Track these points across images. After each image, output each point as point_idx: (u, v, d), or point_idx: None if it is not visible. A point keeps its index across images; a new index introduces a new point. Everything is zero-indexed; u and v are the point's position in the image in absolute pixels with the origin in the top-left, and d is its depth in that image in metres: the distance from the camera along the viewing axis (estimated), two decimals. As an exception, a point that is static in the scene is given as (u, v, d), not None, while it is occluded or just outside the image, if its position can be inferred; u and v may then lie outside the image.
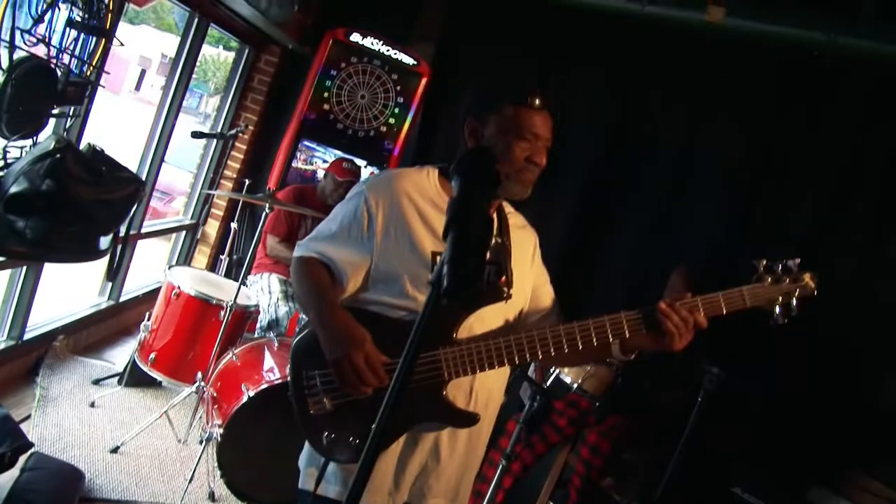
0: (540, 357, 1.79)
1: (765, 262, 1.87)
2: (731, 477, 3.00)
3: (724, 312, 1.81)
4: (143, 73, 14.34)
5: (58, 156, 2.13)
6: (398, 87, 5.05)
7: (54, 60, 2.91)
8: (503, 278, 1.86)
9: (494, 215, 1.93)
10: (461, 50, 5.17)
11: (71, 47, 2.98)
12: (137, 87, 14.38)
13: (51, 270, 3.58)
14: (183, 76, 4.35)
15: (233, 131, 4.35)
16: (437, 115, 5.21)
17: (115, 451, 3.33)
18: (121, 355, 4.23)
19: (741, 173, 4.36)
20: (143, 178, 4.38)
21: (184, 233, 5.17)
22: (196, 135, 4.28)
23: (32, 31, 2.75)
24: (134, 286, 4.81)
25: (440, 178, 1.91)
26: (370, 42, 4.94)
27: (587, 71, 4.79)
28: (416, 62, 5.03)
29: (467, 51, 5.14)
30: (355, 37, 4.92)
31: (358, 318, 1.76)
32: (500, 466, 3.47)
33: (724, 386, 2.90)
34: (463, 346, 1.77)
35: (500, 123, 1.82)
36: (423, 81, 5.05)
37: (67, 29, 2.94)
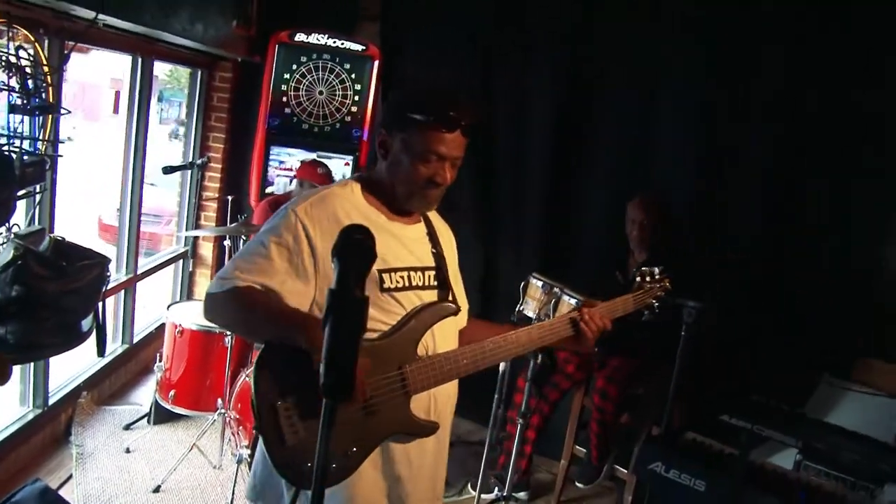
0: (492, 363, 1.95)
1: (640, 272, 2.37)
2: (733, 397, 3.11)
3: (618, 316, 2.21)
4: (117, 94, 14.35)
5: (19, 262, 2.26)
6: (353, 76, 5.10)
7: (6, 147, 3.01)
8: (449, 293, 1.98)
9: (422, 221, 2.00)
10: (403, 20, 5.17)
11: (20, 129, 3.09)
12: (115, 110, 14.42)
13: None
14: (141, 114, 4.44)
15: (199, 161, 4.44)
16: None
17: (156, 490, 3.53)
18: (146, 395, 4.41)
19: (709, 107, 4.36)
20: (127, 214, 4.54)
21: (181, 261, 5.31)
22: (167, 170, 4.37)
23: (-24, 128, 2.85)
24: (144, 323, 4.98)
25: (363, 191, 1.91)
26: (315, 38, 4.97)
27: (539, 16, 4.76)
28: (364, 47, 5.06)
29: (409, 18, 5.13)
30: (300, 36, 4.95)
31: None
32: (519, 424, 3.65)
33: (702, 317, 3.01)
34: (426, 362, 1.86)
35: (405, 142, 1.82)
36: (376, 63, 5.09)
37: (11, 115, 3.04)
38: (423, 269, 1.94)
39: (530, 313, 3.66)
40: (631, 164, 4.55)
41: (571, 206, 4.74)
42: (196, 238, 5.37)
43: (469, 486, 4.04)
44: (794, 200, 4.18)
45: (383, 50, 5.12)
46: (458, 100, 1.86)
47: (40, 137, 3.24)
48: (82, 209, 9.51)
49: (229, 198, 5.12)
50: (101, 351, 2.67)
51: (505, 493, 3.75)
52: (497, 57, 4.83)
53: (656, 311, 2.37)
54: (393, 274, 1.86)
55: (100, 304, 2.59)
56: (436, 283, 1.96)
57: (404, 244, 1.91)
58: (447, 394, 1.98)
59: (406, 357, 1.84)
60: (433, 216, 2.06)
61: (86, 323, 2.49)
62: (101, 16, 3.21)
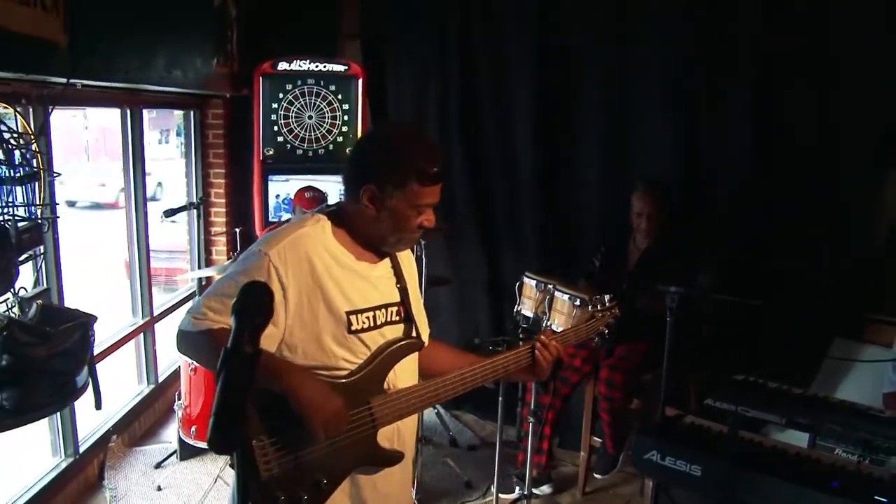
0: (454, 395, 2.03)
1: (591, 301, 2.56)
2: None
3: (573, 344, 2.39)
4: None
5: (4, 333, 2.39)
6: (339, 96, 5.19)
7: (1, 218, 3.15)
8: (413, 327, 2.04)
9: (387, 258, 2.04)
10: (381, 34, 5.24)
11: (11, 199, 3.22)
12: (137, 149, 14.83)
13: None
14: (137, 163, 4.58)
15: (194, 201, 4.57)
16: (384, 105, 5.31)
17: (187, 525, 3.68)
18: (175, 432, 4.55)
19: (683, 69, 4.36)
20: (136, 261, 4.70)
21: (195, 298, 5.46)
22: (168, 213, 4.50)
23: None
24: (168, 362, 5.13)
25: (334, 229, 1.95)
26: (298, 65, 5.08)
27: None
28: (346, 67, 5.15)
29: (386, 31, 5.20)
30: (282, 65, 5.06)
31: None
32: (531, 422, 3.72)
33: (686, 301, 3.03)
34: (392, 397, 1.94)
35: (399, 197, 1.88)
36: (360, 81, 5.17)
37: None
38: (387, 306, 2.00)
39: (528, 312, 3.72)
40: (615, 153, 4.59)
41: (563, 200, 4.81)
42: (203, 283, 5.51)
43: (493, 487, 4.09)
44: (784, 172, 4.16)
45: (366, 66, 5.21)
46: (437, 151, 1.96)
47: (38, 202, 3.39)
48: (111, 251, 9.77)
49: (237, 230, 5.25)
50: (97, 404, 2.79)
51: (526, 492, 3.83)
52: (477, 57, 4.86)
53: (606, 337, 2.47)
54: (360, 315, 1.92)
55: (93, 359, 2.71)
56: (398, 318, 2.02)
57: (372, 283, 1.97)
58: (411, 423, 2.06)
59: (373, 393, 1.92)
60: None
61: (80, 379, 2.61)
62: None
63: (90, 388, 2.73)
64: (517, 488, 3.95)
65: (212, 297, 1.86)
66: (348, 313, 1.90)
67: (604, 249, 4.06)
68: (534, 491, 3.94)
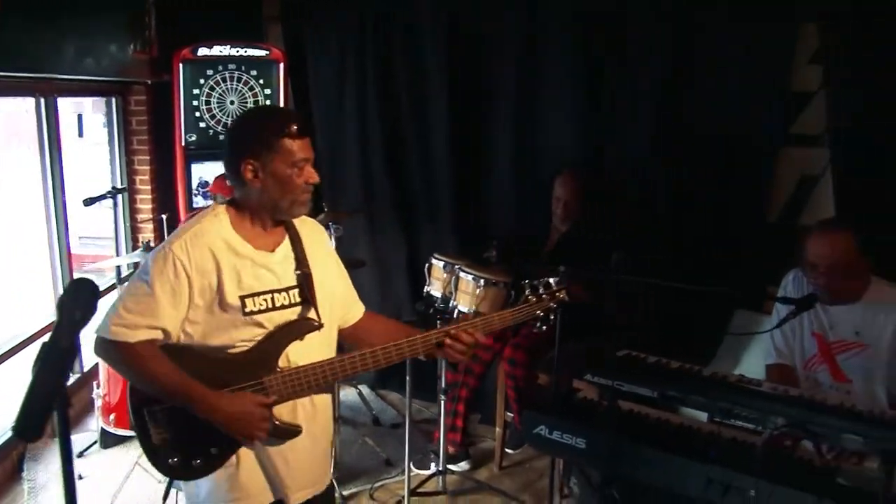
0: (359, 373, 2.16)
1: (529, 284, 2.36)
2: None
3: (498, 330, 2.38)
4: (80, 117, 14.44)
5: None
6: (261, 81, 5.19)
7: None
8: (312, 310, 2.13)
9: (287, 240, 2.15)
10: (301, 16, 5.20)
11: None
12: (80, 134, 14.53)
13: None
14: (54, 152, 4.54)
15: (110, 190, 4.55)
16: (305, 88, 5.30)
17: (106, 512, 3.71)
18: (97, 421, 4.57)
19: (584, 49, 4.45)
20: (57, 252, 4.68)
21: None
22: (88, 202, 4.48)
23: None
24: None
25: (233, 219, 2.09)
26: (218, 50, 5.06)
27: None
28: (267, 52, 5.15)
29: (306, 14, 5.17)
30: (202, 51, 5.03)
31: (208, 359, 2.04)
32: (442, 401, 3.82)
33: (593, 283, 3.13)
34: (286, 373, 2.07)
35: (276, 158, 2.01)
36: (282, 66, 5.18)
37: None
38: (287, 290, 2.11)
39: (436, 293, 3.82)
40: (527, 138, 4.68)
41: (479, 184, 4.90)
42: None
43: (412, 464, 4.18)
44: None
45: (288, 50, 5.21)
46: (292, 111, 2.14)
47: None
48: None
49: (163, 216, 5.23)
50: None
51: (440, 468, 3.94)
52: (395, 43, 4.88)
53: (550, 321, 2.37)
54: (256, 298, 2.05)
55: None
56: (298, 300, 2.12)
57: (269, 269, 2.09)
58: (325, 399, 2.21)
59: (266, 369, 2.06)
60: (301, 228, 2.21)
61: None
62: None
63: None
64: (433, 464, 4.05)
65: (127, 300, 2.00)
66: (242, 297, 2.03)
67: (496, 242, 4.11)
68: (450, 467, 4.05)
